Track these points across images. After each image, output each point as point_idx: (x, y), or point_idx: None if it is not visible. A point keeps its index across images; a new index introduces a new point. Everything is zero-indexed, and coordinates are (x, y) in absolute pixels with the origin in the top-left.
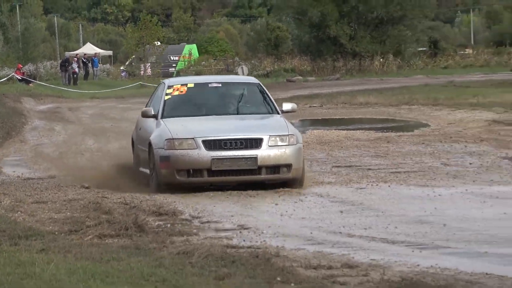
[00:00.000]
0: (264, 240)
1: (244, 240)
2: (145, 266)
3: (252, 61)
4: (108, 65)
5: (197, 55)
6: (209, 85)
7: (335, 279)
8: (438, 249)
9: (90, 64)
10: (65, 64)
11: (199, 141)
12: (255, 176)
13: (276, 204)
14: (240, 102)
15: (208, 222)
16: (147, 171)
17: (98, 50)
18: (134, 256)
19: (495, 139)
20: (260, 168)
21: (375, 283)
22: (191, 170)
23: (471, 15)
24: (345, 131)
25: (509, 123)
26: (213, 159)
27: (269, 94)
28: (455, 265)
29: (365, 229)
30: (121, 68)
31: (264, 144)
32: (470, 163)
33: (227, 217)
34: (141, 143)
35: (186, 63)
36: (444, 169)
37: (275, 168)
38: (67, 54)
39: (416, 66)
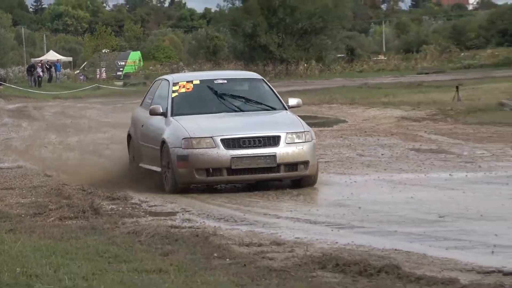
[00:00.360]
0: (203, 221)
1: (186, 221)
2: (100, 244)
3: (194, 66)
4: (68, 70)
5: (142, 61)
6: (215, 82)
7: (265, 255)
8: (354, 229)
9: (53, 69)
10: (31, 69)
11: (218, 139)
12: (274, 174)
13: (215, 192)
14: (247, 98)
15: (155, 205)
16: (152, 167)
17: (59, 57)
18: (90, 235)
19: (403, 133)
20: (279, 165)
21: (299, 258)
22: (210, 169)
23: (383, 26)
24: None
25: (416, 119)
26: (232, 157)
27: (274, 89)
28: (369, 243)
29: (291, 211)
30: (76, 72)
31: (281, 141)
32: (382, 154)
33: (171, 201)
34: (145, 140)
35: (136, 67)
36: (359, 159)
37: (293, 165)
38: (33, 60)
39: (335, 70)
